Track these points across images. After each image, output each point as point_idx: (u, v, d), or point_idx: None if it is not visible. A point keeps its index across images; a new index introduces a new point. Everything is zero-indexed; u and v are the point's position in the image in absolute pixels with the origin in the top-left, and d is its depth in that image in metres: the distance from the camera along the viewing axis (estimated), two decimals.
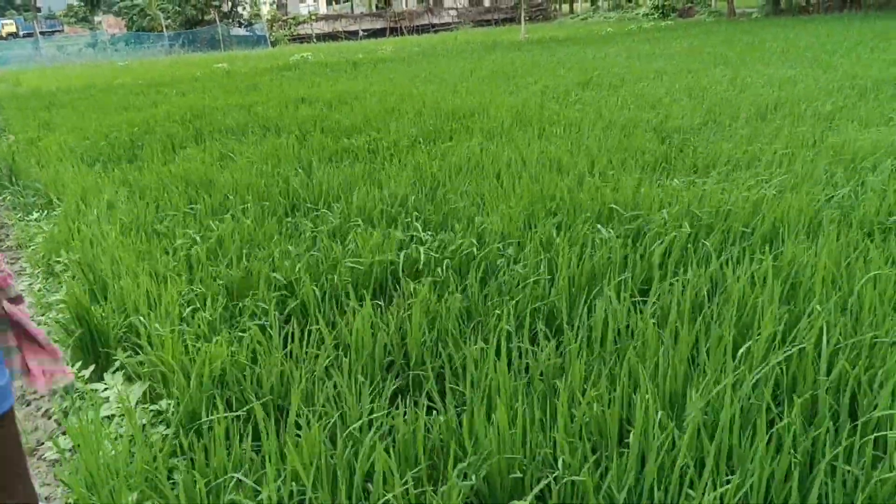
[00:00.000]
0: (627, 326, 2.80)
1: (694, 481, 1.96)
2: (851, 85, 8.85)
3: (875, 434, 2.07)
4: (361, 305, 3.07)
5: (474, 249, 3.67)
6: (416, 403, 2.51)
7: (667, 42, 19.80)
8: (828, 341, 2.44)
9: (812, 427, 2.15)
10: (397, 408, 2.43)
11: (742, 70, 11.43)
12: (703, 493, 1.88)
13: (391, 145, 6.88)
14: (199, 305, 3.35)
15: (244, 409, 2.50)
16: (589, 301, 3.06)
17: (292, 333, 2.92)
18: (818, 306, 2.67)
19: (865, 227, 3.77)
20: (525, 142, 6.58)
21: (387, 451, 2.14)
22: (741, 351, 2.47)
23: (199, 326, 3.09)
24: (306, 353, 2.82)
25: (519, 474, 2.08)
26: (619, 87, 10.45)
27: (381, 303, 3.36)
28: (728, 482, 1.93)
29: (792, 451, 2.01)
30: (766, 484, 1.94)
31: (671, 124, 7.08)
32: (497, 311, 2.99)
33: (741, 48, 15.95)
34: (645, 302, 2.99)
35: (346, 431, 2.27)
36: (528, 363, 2.63)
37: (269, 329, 2.98)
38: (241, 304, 3.35)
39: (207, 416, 2.49)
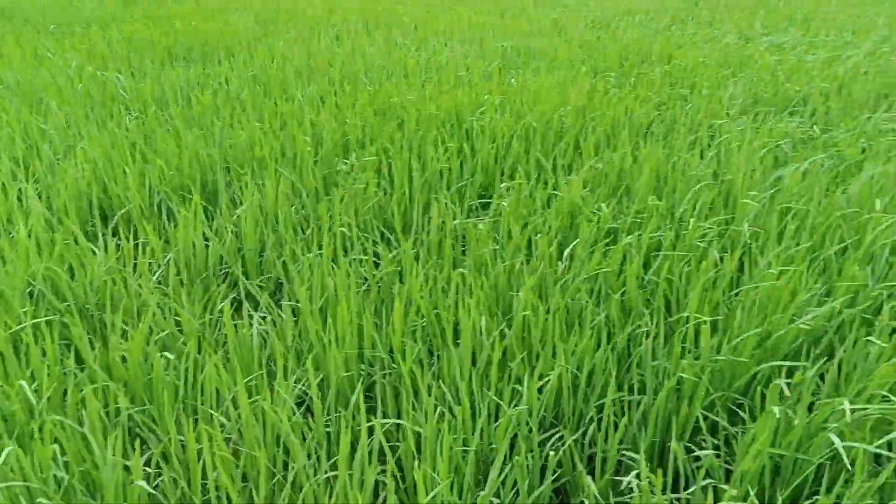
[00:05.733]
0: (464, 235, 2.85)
1: (521, 374, 2.07)
2: None
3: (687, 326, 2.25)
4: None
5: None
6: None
7: None
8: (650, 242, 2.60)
9: (629, 323, 2.30)
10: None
11: None
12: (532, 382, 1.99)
13: None
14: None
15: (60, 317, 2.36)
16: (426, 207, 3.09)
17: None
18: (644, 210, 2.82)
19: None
20: None
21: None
22: (566, 252, 2.59)
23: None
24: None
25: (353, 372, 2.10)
26: None
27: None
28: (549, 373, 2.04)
29: (608, 344, 2.14)
30: (588, 374, 2.07)
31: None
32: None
33: None
34: (483, 206, 3.05)
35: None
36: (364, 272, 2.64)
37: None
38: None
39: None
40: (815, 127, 4.04)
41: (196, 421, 2.04)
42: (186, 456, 1.86)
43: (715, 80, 5.00)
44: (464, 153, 3.58)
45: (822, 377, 2.18)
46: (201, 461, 1.78)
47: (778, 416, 1.80)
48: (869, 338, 2.05)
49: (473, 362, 2.17)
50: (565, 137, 3.79)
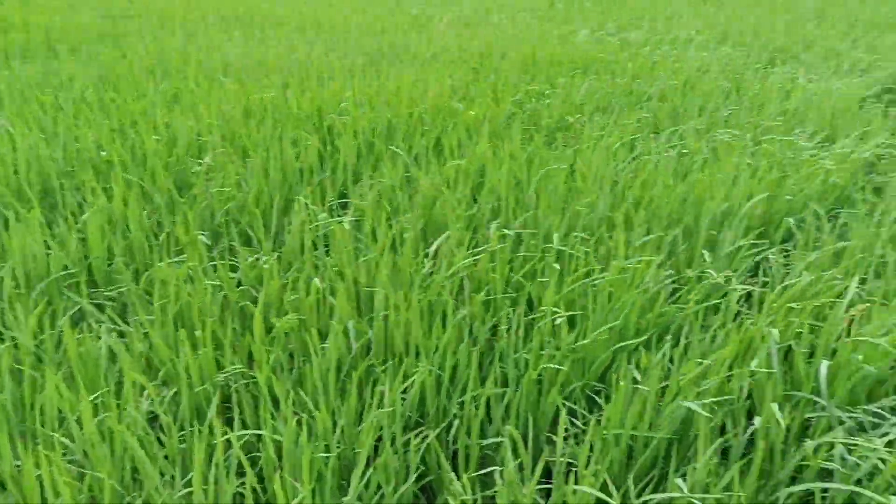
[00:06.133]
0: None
1: (382, 376, 2.05)
2: None
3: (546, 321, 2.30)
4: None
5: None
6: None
7: None
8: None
9: (489, 316, 2.32)
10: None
11: None
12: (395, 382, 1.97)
13: None
14: None
15: None
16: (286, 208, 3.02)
17: None
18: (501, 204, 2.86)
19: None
20: None
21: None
22: (431, 249, 2.59)
23: None
24: None
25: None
26: None
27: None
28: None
29: (471, 340, 2.16)
30: (451, 371, 2.08)
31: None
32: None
33: None
34: (343, 205, 3.01)
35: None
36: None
37: None
38: None
39: None
40: (664, 121, 4.24)
41: (36, 444, 1.89)
42: (23, 483, 1.72)
43: (570, 78, 5.16)
44: (325, 151, 3.52)
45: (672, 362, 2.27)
46: (41, 488, 1.66)
47: (629, 397, 1.87)
48: (712, 326, 2.17)
49: (337, 366, 2.14)
50: (427, 134, 3.80)
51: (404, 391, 2.04)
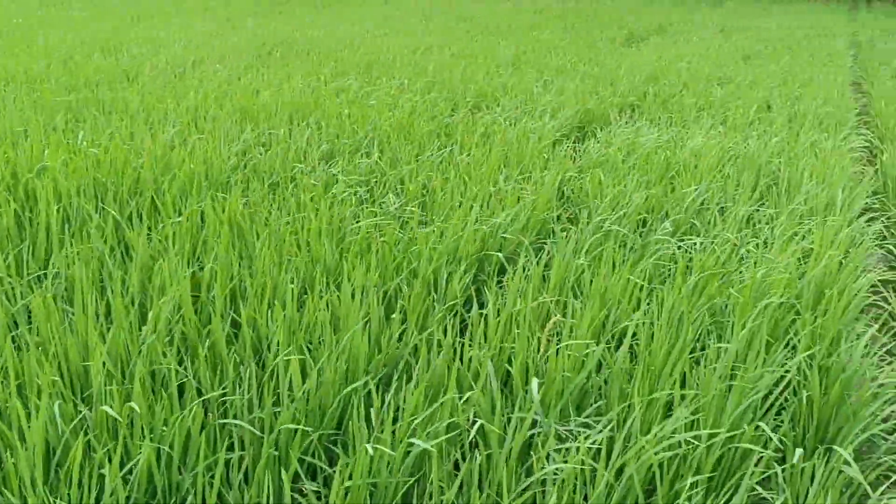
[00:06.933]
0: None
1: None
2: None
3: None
4: None
5: None
6: None
7: None
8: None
9: (218, 378, 2.25)
10: None
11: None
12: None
13: None
14: None
15: None
16: None
17: None
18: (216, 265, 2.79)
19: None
20: None
21: None
22: (151, 314, 2.45)
23: None
24: None
25: None
26: None
27: None
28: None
29: (200, 405, 2.07)
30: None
31: None
32: None
33: None
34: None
35: None
36: None
37: None
38: None
39: None
40: (384, 167, 4.40)
41: None
42: None
43: (290, 126, 5.18)
44: (24, 218, 3.19)
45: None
46: None
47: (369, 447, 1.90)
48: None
49: (50, 455, 1.94)
50: (142, 193, 3.61)
51: (130, 472, 1.91)
